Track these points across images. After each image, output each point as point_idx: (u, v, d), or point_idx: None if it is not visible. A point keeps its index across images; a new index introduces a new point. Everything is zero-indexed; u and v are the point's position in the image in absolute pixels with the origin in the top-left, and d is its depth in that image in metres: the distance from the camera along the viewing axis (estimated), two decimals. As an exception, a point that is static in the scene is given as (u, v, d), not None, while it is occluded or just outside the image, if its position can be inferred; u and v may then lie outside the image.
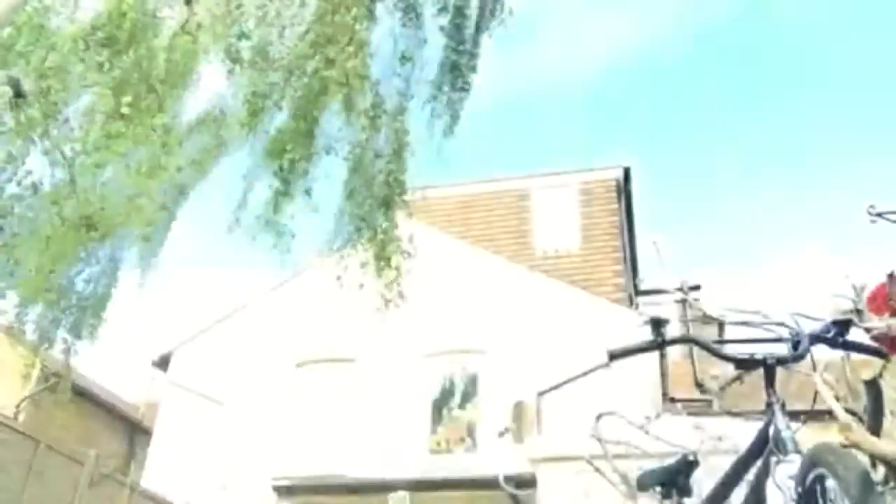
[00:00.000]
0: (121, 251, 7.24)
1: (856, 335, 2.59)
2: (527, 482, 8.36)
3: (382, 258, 7.56)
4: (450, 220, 12.20)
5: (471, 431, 10.55)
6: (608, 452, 3.81)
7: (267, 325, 12.00)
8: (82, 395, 13.18)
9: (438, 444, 10.53)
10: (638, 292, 12.00)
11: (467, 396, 10.95)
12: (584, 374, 9.75)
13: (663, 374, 10.60)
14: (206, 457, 10.73)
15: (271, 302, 12.31)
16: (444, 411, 10.91)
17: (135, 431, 13.95)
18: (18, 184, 6.40)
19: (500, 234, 12.38)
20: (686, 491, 2.59)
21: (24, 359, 7.78)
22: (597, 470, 4.03)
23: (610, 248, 11.99)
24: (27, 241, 6.50)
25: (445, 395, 11.09)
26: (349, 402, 11.16)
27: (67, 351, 7.18)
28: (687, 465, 2.67)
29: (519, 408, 8.93)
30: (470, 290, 10.41)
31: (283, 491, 9.54)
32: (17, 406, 11.70)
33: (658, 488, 2.73)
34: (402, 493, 8.86)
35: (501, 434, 8.91)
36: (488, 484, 8.79)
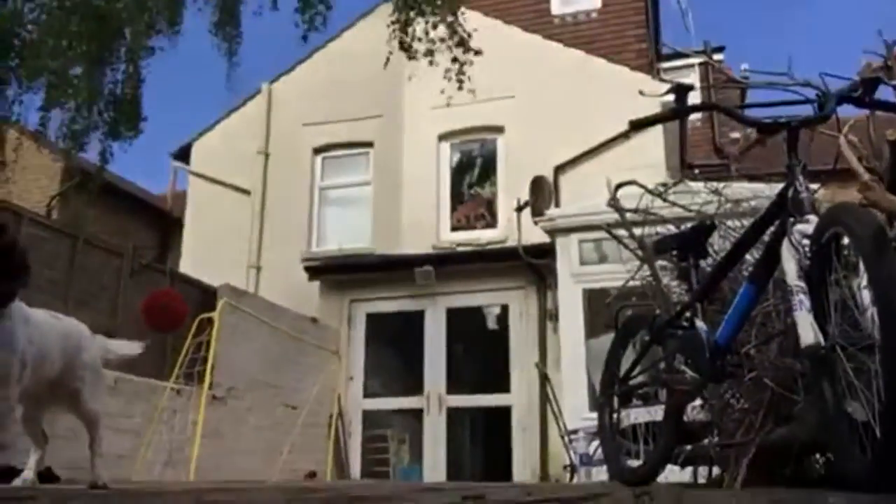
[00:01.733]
0: (139, 46, 7.08)
1: (884, 94, 2.51)
2: (545, 252, 8.69)
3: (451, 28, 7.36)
4: (459, -10, 11.54)
5: (490, 208, 10.79)
6: (626, 220, 3.89)
7: (283, 111, 11.91)
8: (109, 190, 13.49)
9: (459, 221, 10.83)
10: (660, 57, 11.61)
11: (486, 174, 11.06)
12: (602, 145, 9.75)
13: (682, 141, 10.56)
14: (237, 242, 11.18)
15: (285, 86, 12.12)
16: (464, 189, 11.09)
17: (165, 222, 14.42)
18: None
19: (513, 3, 11.75)
20: (702, 253, 2.68)
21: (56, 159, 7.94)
22: (614, 237, 4.15)
23: (631, 11, 11.36)
24: (49, 46, 6.37)
25: (464, 173, 11.21)
26: (371, 184, 11.36)
27: (104, 153, 7.33)
28: (704, 229, 2.74)
29: (537, 182, 9.03)
30: (484, 66, 10.08)
31: (313, 270, 10.02)
32: (48, 205, 12.06)
33: (675, 252, 2.83)
34: (427, 268, 9.30)
35: (519, 208, 9.12)
36: (508, 255, 9.19)
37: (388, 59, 7.98)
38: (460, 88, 7.78)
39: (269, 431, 7.76)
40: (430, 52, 7.77)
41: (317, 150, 11.64)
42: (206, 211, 11.81)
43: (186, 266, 10.42)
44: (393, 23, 7.76)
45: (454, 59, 7.70)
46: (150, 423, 6.36)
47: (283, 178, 11.58)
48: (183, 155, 12.48)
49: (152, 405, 6.50)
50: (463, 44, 7.67)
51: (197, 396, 6.68)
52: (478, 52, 7.73)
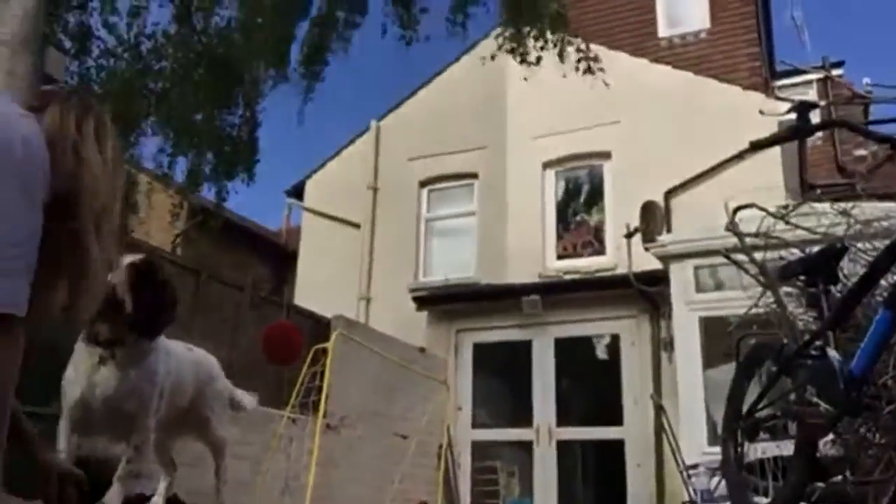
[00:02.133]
0: (256, 91, 7.51)
1: None
2: (657, 279, 8.45)
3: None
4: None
5: (598, 235, 10.62)
6: (745, 245, 3.73)
7: (390, 147, 12.23)
8: (228, 227, 14.20)
9: (565, 248, 10.71)
10: (774, 75, 11.17)
11: (593, 201, 10.91)
12: (716, 167, 9.44)
13: (801, 161, 10.07)
14: (348, 274, 11.48)
15: (392, 122, 12.45)
16: (570, 217, 10.98)
17: (280, 256, 15.01)
18: (149, 38, 6.63)
19: (618, 28, 11.62)
20: (832, 278, 2.52)
21: (174, 200, 8.49)
22: (734, 263, 3.97)
23: (742, 30, 10.98)
24: (177, 93, 6.86)
25: (570, 201, 11.10)
26: (476, 214, 11.44)
27: (220, 192, 7.78)
28: (833, 253, 2.58)
29: (647, 207, 8.82)
30: (589, 92, 10.02)
31: (420, 300, 10.13)
32: (173, 243, 12.80)
33: (801, 277, 2.68)
34: (534, 297, 9.22)
35: (629, 235, 8.92)
36: (618, 283, 8.98)
37: (492, 56, 8.07)
38: (591, 74, 7.82)
39: (381, 460, 7.84)
40: (538, 60, 7.85)
41: (423, 183, 11.85)
42: (319, 245, 12.22)
43: (301, 298, 10.76)
44: (504, 39, 7.87)
45: (577, 65, 7.70)
46: (268, 451, 6.56)
47: (391, 211, 11.84)
48: (296, 192, 13.02)
49: (270, 433, 6.71)
50: (581, 50, 7.71)
51: (312, 425, 6.84)
52: (595, 59, 7.75)
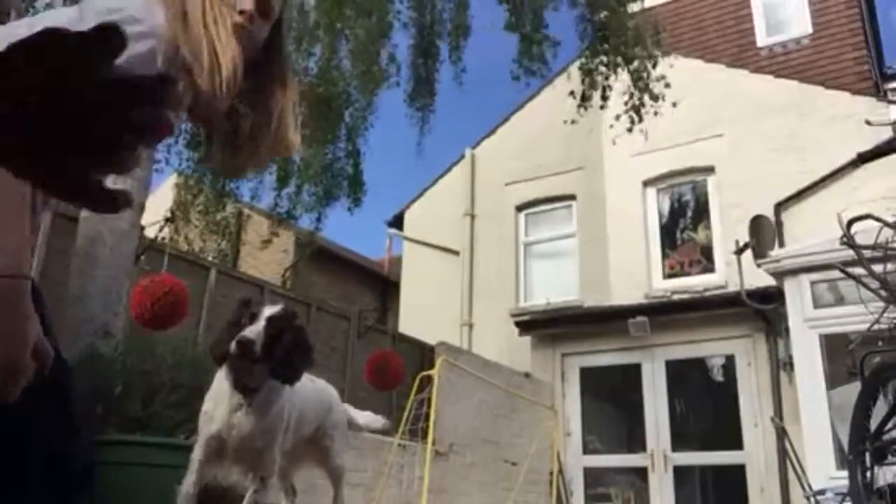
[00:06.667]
0: (358, 124, 7.81)
1: None
2: (771, 296, 8.11)
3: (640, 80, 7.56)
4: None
5: (705, 252, 10.30)
6: (863, 258, 3.54)
7: (485, 173, 12.35)
8: (334, 259, 14.67)
9: (672, 267, 10.44)
10: (885, 78, 10.61)
11: (698, 217, 10.61)
12: (828, 177, 9.03)
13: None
14: (450, 301, 11.60)
15: (487, 150, 12.58)
16: (676, 235, 10.71)
17: (384, 286, 15.34)
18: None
19: (715, 40, 11.33)
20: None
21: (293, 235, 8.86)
22: (851, 277, 3.78)
23: (847, 33, 10.50)
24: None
25: (674, 218, 10.84)
26: (575, 236, 11.34)
27: (318, 220, 8.10)
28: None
29: (757, 222, 8.50)
30: (688, 106, 9.80)
31: (523, 325, 10.11)
32: (283, 276, 13.32)
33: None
34: (641, 318, 9.02)
35: (739, 251, 8.61)
36: (730, 301, 8.67)
37: (584, 106, 8.11)
38: (630, 130, 7.87)
39: (492, 487, 7.83)
40: (604, 98, 7.88)
41: (519, 208, 11.88)
42: (420, 273, 12.43)
43: (405, 325, 10.96)
44: (581, 69, 7.95)
45: (634, 107, 7.73)
46: (380, 477, 6.68)
47: (489, 237, 11.92)
48: (397, 222, 13.33)
49: (381, 461, 6.83)
50: (648, 90, 7.68)
51: (421, 452, 6.93)
52: (655, 98, 7.73)
